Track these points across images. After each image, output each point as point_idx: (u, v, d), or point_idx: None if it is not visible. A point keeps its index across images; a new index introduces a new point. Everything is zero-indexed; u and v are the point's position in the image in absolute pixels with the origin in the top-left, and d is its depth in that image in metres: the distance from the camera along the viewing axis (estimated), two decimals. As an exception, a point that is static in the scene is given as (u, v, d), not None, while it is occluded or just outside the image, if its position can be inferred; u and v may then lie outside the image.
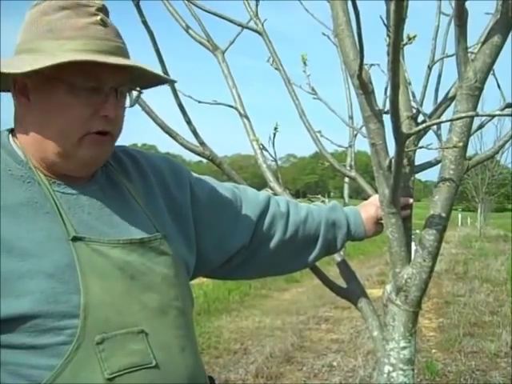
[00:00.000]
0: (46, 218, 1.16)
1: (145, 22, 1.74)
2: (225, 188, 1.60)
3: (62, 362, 1.10)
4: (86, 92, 1.17)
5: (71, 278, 1.13)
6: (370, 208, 1.73)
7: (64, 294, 1.11)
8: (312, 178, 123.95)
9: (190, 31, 2.08)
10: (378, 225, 1.73)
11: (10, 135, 1.26)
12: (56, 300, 1.10)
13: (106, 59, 1.16)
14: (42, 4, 1.20)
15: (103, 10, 1.22)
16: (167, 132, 1.87)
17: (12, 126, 1.28)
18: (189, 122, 1.91)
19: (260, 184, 2.30)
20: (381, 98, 1.68)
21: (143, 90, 1.33)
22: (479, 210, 28.64)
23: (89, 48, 1.16)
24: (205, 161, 2.04)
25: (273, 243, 1.62)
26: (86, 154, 1.22)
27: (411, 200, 1.67)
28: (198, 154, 1.94)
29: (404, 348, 1.54)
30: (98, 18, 1.20)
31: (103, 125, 1.22)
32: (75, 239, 1.16)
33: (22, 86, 1.19)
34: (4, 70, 1.13)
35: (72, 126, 1.20)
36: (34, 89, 1.18)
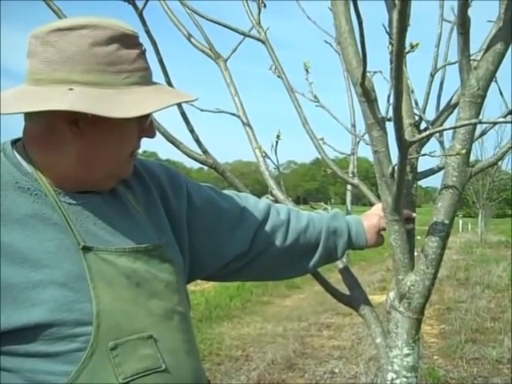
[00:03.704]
0: (55, 228, 1.18)
1: (148, 32, 1.75)
2: (224, 196, 1.61)
3: (77, 368, 1.13)
4: (136, 118, 1.19)
5: (82, 287, 1.15)
6: (372, 217, 1.73)
7: (77, 302, 1.14)
8: (313, 184, 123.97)
9: (192, 40, 2.09)
10: (380, 235, 1.74)
11: (13, 147, 1.26)
12: (69, 308, 1.13)
13: (188, 97, 1.28)
14: (81, 32, 1.15)
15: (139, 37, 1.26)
16: (170, 141, 1.88)
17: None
18: (192, 131, 1.92)
19: (261, 191, 2.31)
20: (383, 106, 1.68)
21: None
22: (480, 216, 28.57)
23: (144, 79, 1.23)
24: (206, 168, 2.04)
25: (272, 251, 1.62)
26: (127, 172, 1.33)
27: (414, 214, 1.68)
28: (201, 163, 1.95)
29: (407, 355, 1.54)
30: (143, 48, 1.24)
31: (140, 143, 1.32)
32: (85, 249, 1.18)
33: (71, 116, 1.15)
34: (108, 115, 1.11)
35: (126, 152, 1.28)
36: (87, 119, 1.15)
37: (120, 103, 1.15)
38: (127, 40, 1.20)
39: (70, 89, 1.14)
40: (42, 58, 1.15)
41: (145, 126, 1.28)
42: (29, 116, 1.22)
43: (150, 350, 1.21)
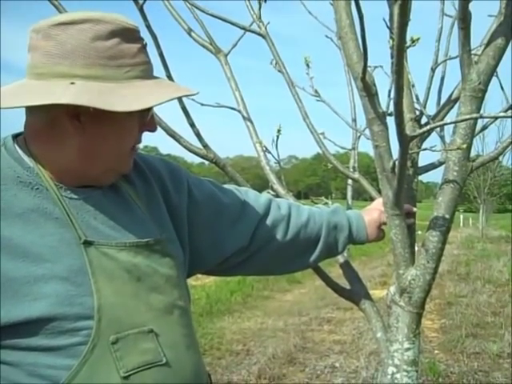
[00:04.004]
0: (56, 223, 1.18)
1: (149, 26, 1.75)
2: (225, 190, 1.61)
3: (79, 362, 1.13)
4: (138, 112, 1.20)
5: (84, 281, 1.16)
6: (373, 212, 1.73)
7: (78, 296, 1.14)
8: (314, 179, 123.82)
9: (193, 34, 2.08)
10: (381, 230, 1.74)
11: (14, 142, 1.26)
12: (71, 302, 1.13)
13: (189, 91, 1.28)
14: (83, 26, 1.15)
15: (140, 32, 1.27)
16: (171, 135, 1.88)
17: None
18: (192, 125, 1.92)
19: (262, 185, 2.31)
20: (384, 100, 1.68)
21: None
22: (481, 211, 28.57)
23: (145, 74, 1.23)
24: (207, 162, 2.04)
25: (273, 245, 1.63)
26: (128, 166, 1.33)
27: (415, 209, 1.68)
28: (202, 157, 1.95)
29: (408, 349, 1.54)
30: (144, 42, 1.25)
31: (141, 137, 1.32)
32: (86, 243, 1.18)
33: (73, 110, 1.16)
34: (110, 108, 1.12)
35: (127, 146, 1.28)
36: (88, 113, 1.15)
37: (122, 97, 1.15)
38: (128, 34, 1.20)
39: (72, 83, 1.14)
40: (44, 51, 1.16)
41: (146, 120, 1.28)
42: (30, 110, 1.22)
43: (151, 343, 1.21)
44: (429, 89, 1.88)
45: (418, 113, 1.74)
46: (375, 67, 1.75)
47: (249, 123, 2.07)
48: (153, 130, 1.33)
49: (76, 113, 1.16)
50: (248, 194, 1.65)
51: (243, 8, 2.09)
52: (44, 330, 1.12)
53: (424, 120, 1.77)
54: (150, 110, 1.27)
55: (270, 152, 2.07)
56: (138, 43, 1.22)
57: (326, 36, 2.26)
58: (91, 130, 1.19)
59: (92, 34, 1.15)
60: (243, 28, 2.07)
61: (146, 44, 1.25)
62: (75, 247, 1.17)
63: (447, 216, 1.43)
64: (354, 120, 2.25)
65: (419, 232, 1.94)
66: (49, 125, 1.20)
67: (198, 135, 1.92)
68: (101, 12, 1.19)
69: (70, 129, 1.18)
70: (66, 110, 1.15)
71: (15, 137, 1.27)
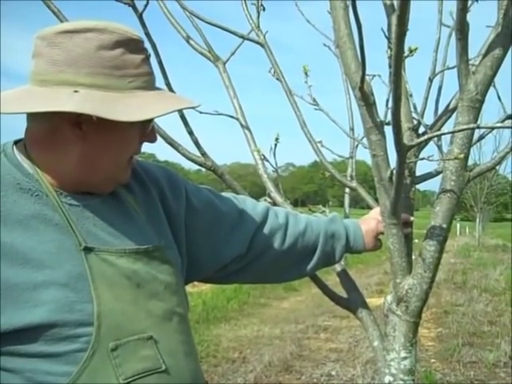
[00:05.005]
0: (56, 229, 1.18)
1: (148, 35, 1.75)
2: (223, 198, 1.62)
3: (78, 369, 1.13)
4: (140, 123, 1.21)
5: (83, 287, 1.16)
6: (370, 221, 1.73)
7: (78, 302, 1.14)
8: (311, 187, 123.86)
9: (191, 42, 2.09)
10: (378, 240, 1.75)
11: (14, 148, 1.26)
12: (71, 309, 1.13)
13: (191, 104, 1.28)
14: (88, 35, 1.16)
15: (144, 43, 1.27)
16: (169, 143, 1.88)
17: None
18: (191, 133, 1.92)
19: (259, 193, 2.31)
20: (382, 110, 1.69)
21: None
22: (478, 220, 28.59)
23: (148, 84, 1.23)
24: (204, 169, 2.04)
25: (270, 254, 1.63)
26: (126, 176, 1.33)
27: (412, 218, 1.68)
28: (200, 165, 1.95)
29: (404, 358, 1.54)
30: (147, 53, 1.26)
31: (141, 148, 1.33)
32: (86, 249, 1.19)
33: (75, 118, 1.16)
34: (114, 118, 1.12)
35: (127, 155, 1.28)
36: (90, 122, 1.16)
37: (125, 107, 1.16)
38: (133, 45, 1.20)
39: (75, 91, 1.14)
40: (48, 58, 1.16)
41: (147, 130, 1.29)
42: (32, 116, 1.22)
43: (150, 350, 1.21)
44: (426, 98, 1.88)
45: (415, 122, 1.75)
46: (373, 76, 1.75)
47: (247, 131, 2.08)
48: (153, 141, 1.33)
49: (78, 121, 1.17)
50: (246, 202, 1.65)
51: (242, 16, 2.10)
52: (44, 337, 1.12)
53: (421, 129, 1.77)
54: (151, 120, 1.27)
55: (267, 160, 2.07)
56: (141, 54, 1.22)
57: (324, 44, 2.27)
58: (92, 138, 1.20)
59: (97, 43, 1.16)
60: (242, 36, 2.08)
61: (149, 55, 1.26)
62: (75, 253, 1.17)
63: (444, 225, 1.44)
64: (352, 129, 2.26)
65: (416, 240, 1.94)
66: (50, 132, 1.20)
67: (197, 143, 1.92)
68: (106, 21, 1.19)
69: (71, 136, 1.19)
70: (67, 118, 1.16)
71: (15, 143, 1.28)
